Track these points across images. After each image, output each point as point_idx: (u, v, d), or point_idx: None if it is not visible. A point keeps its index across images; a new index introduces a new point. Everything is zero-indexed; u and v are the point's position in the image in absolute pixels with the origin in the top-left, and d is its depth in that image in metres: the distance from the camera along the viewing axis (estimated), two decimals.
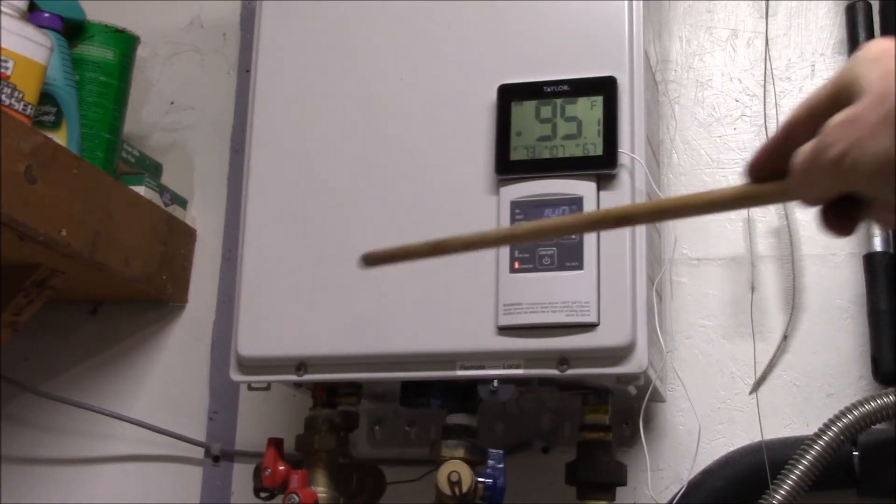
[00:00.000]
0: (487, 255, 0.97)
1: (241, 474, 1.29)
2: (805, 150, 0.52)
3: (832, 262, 1.17)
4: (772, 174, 0.55)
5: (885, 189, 0.49)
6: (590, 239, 0.94)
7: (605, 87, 0.98)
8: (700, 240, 1.21)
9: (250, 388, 1.06)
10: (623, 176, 0.96)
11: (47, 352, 1.40)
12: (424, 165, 1.02)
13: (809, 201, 0.53)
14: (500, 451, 1.01)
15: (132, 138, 1.42)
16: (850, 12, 1.19)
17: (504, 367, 0.95)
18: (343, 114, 1.05)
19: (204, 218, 1.41)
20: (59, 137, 1.19)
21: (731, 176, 1.22)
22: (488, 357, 0.95)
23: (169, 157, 1.44)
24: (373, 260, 0.77)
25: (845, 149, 0.49)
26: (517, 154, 0.98)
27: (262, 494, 1.06)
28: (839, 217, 0.54)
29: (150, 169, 1.38)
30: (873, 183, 0.49)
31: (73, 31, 1.27)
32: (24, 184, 1.06)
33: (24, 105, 1.12)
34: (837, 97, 0.51)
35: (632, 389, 1.00)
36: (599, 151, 0.96)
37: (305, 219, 1.03)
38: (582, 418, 1.04)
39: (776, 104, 1.22)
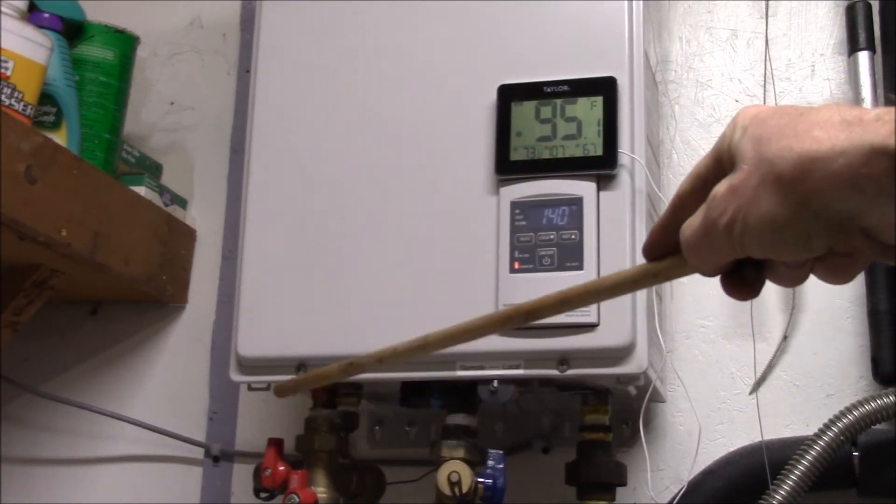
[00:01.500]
0: (487, 255, 0.97)
1: (241, 475, 1.29)
2: (694, 223, 0.54)
3: None
4: (668, 250, 0.57)
5: (775, 248, 0.51)
6: (590, 239, 0.94)
7: (605, 88, 0.98)
8: None
9: (250, 388, 1.06)
10: (623, 176, 0.96)
11: (47, 352, 1.40)
12: (424, 165, 1.02)
13: (707, 271, 0.55)
14: (500, 452, 1.01)
15: (132, 139, 1.42)
16: (850, 12, 1.19)
17: (504, 368, 0.95)
18: (343, 114, 1.05)
19: (204, 218, 1.41)
20: (59, 138, 1.19)
21: None
22: (488, 357, 0.95)
23: (169, 157, 1.44)
24: (284, 391, 0.77)
25: (733, 215, 0.51)
26: (517, 154, 0.98)
27: (262, 495, 1.06)
28: (740, 282, 0.56)
29: (150, 169, 1.38)
30: (764, 244, 0.51)
31: (73, 31, 1.27)
32: (24, 184, 1.06)
33: (24, 105, 1.12)
34: (719, 164, 0.54)
35: (632, 390, 1.00)
36: (599, 152, 0.96)
37: (305, 219, 1.03)
38: (582, 419, 1.04)
39: (776, 104, 1.22)
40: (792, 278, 0.54)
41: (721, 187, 0.52)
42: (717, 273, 0.55)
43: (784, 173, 0.49)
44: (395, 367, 0.98)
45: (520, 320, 0.62)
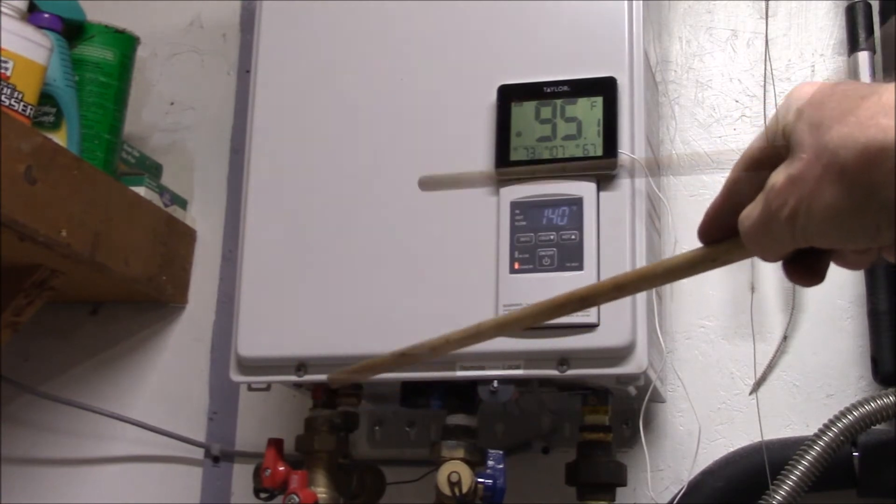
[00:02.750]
0: (487, 255, 0.97)
1: (241, 475, 1.29)
2: (753, 214, 0.52)
3: None
4: (724, 233, 0.55)
5: (841, 240, 0.49)
6: (590, 239, 0.94)
7: (605, 88, 0.98)
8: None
9: (250, 388, 1.06)
10: (623, 176, 0.96)
11: (47, 352, 1.40)
12: (424, 166, 1.01)
13: (768, 259, 0.54)
14: (500, 452, 1.01)
15: (132, 139, 1.42)
16: (850, 12, 1.19)
17: (504, 368, 0.95)
18: (343, 114, 1.05)
19: (204, 218, 1.41)
20: (59, 138, 1.19)
21: None
22: (488, 357, 0.95)
23: (169, 157, 1.44)
24: (337, 382, 0.77)
25: (794, 208, 0.49)
26: (517, 154, 0.98)
27: (262, 495, 1.06)
28: (805, 268, 0.54)
29: (150, 169, 1.38)
30: (830, 236, 0.49)
31: (72, 31, 1.27)
32: (24, 184, 1.06)
33: (24, 105, 1.12)
34: (774, 147, 0.52)
35: (632, 390, 1.00)
36: (599, 152, 0.96)
37: (305, 219, 1.03)
38: (582, 419, 1.04)
39: (776, 105, 1.22)
40: (859, 262, 0.52)
41: (779, 177, 0.50)
42: (778, 260, 0.54)
43: (848, 165, 0.46)
44: (395, 368, 0.98)
45: (574, 307, 0.61)
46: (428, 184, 0.77)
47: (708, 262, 0.57)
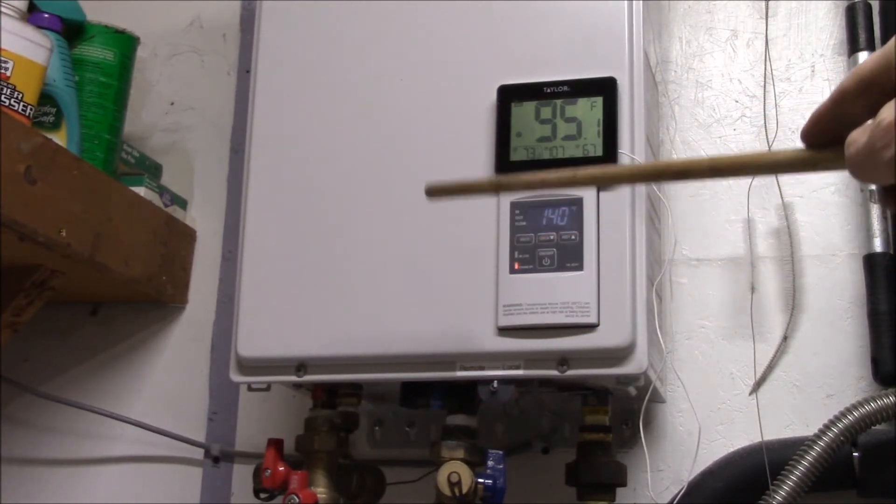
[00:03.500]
0: (488, 255, 0.97)
1: (241, 475, 1.29)
2: (859, 142, 0.50)
3: (832, 263, 1.17)
4: (826, 139, 0.54)
5: None
6: (590, 239, 0.94)
7: (605, 88, 0.98)
8: (700, 240, 1.21)
9: (250, 388, 1.06)
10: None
11: (47, 353, 1.40)
12: (424, 166, 1.01)
13: (868, 182, 0.52)
14: (500, 452, 1.01)
15: (132, 139, 1.42)
16: (850, 12, 1.19)
17: (504, 368, 0.95)
18: (343, 114, 1.05)
19: (204, 218, 1.41)
20: (59, 138, 1.19)
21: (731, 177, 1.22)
22: (488, 358, 0.95)
23: (169, 157, 1.44)
24: (435, 191, 0.78)
25: None
26: (517, 155, 0.98)
27: (262, 495, 1.06)
28: None
29: (149, 170, 1.38)
30: None
31: (72, 31, 1.27)
32: (24, 184, 1.06)
33: (24, 106, 1.12)
34: (888, 73, 0.51)
35: (632, 390, 1.00)
36: (599, 152, 0.96)
37: (305, 219, 1.03)
38: (582, 419, 1.04)
39: (776, 105, 1.22)
40: None
41: (889, 114, 0.48)
42: (877, 184, 0.52)
43: None
44: (396, 368, 0.98)
45: (670, 176, 0.61)
46: (433, 191, 0.78)
47: (808, 166, 0.56)
